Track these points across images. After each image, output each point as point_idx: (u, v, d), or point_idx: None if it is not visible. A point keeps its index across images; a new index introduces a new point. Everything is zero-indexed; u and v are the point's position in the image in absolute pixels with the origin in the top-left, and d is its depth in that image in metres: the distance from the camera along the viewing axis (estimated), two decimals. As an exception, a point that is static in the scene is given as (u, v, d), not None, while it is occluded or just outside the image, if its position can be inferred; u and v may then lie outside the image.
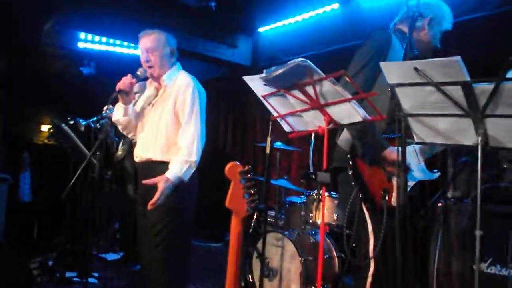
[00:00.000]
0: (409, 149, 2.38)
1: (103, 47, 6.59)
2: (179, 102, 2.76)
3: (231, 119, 6.74)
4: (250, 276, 3.96)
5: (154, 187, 2.72)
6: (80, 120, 4.27)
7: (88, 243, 4.12)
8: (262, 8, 5.61)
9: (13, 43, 5.81)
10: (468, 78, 1.47)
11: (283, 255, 3.77)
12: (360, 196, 2.29)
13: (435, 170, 2.50)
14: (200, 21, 5.51)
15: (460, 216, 3.07)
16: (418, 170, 2.42)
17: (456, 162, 3.08)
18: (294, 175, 5.49)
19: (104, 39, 6.46)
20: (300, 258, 3.57)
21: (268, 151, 3.16)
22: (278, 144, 4.52)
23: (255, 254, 3.90)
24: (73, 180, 3.28)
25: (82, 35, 6.32)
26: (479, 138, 1.58)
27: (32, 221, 5.77)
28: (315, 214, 3.77)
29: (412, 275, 2.57)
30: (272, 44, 6.00)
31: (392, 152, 2.28)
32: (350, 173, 2.28)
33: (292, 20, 5.64)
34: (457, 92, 1.53)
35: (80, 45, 6.40)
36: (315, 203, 3.78)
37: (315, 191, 3.80)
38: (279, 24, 5.82)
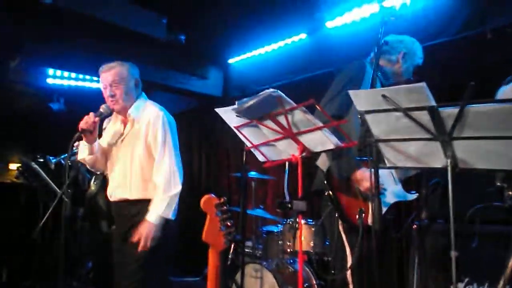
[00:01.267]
0: (385, 171, 2.44)
1: (73, 83, 6.53)
2: (150, 135, 2.70)
3: (204, 151, 6.72)
4: (229, 309, 3.88)
5: (134, 224, 2.66)
6: (50, 157, 4.18)
7: (60, 285, 3.96)
8: (232, 39, 5.68)
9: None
10: (433, 103, 1.52)
11: (263, 286, 3.72)
12: (337, 216, 2.33)
13: (413, 191, 2.55)
14: (170, 53, 5.54)
15: (435, 237, 3.11)
16: (394, 191, 2.47)
17: (429, 184, 3.13)
18: (270, 204, 5.48)
19: (73, 75, 6.41)
20: (279, 288, 3.53)
21: (242, 181, 3.17)
22: (253, 173, 4.52)
23: (234, 287, 3.83)
24: (44, 219, 3.20)
25: (50, 71, 6.26)
26: (448, 161, 1.61)
27: (1, 264, 5.53)
28: (293, 242, 3.75)
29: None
30: (243, 74, 6.07)
31: (363, 173, 2.33)
32: (326, 194, 2.32)
33: (261, 50, 5.73)
34: (424, 116, 1.57)
35: (49, 81, 6.33)
36: (292, 232, 3.76)
37: (291, 219, 3.79)
38: (249, 54, 5.89)
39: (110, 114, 2.89)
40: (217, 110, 2.16)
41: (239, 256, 4.37)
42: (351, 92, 1.66)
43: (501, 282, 2.41)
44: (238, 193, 5.88)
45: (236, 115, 2.10)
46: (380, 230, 2.19)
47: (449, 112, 1.52)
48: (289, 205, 1.99)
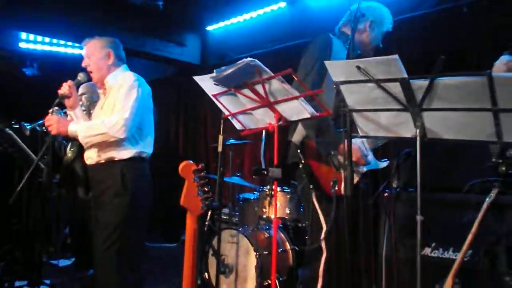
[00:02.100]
0: (357, 140, 2.52)
1: (46, 47, 6.38)
2: (117, 96, 2.77)
3: (182, 119, 6.71)
4: (206, 273, 3.99)
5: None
6: (25, 124, 4.12)
7: (38, 250, 4.00)
8: (210, 6, 5.62)
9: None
10: (405, 75, 1.57)
11: (238, 251, 3.82)
12: (311, 187, 2.40)
13: (384, 159, 2.64)
14: (148, 19, 5.46)
15: (405, 205, 3.23)
16: (369, 158, 2.56)
17: (400, 153, 3.23)
18: (247, 172, 5.56)
19: (47, 39, 6.25)
20: (255, 253, 3.64)
21: (220, 149, 3.21)
22: (230, 141, 4.56)
23: (210, 252, 3.93)
24: (21, 185, 3.19)
25: (23, 35, 6.10)
26: (417, 131, 1.69)
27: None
28: (269, 209, 3.85)
29: (361, 261, 2.70)
30: (221, 42, 6.03)
31: (354, 148, 2.41)
32: (300, 167, 2.38)
33: (240, 18, 5.69)
34: (396, 88, 1.63)
35: (22, 45, 6.16)
36: (268, 199, 3.85)
37: (268, 187, 3.87)
38: (227, 22, 5.85)
39: (88, 81, 3.03)
40: (195, 78, 2.18)
41: (215, 223, 4.47)
42: (327, 63, 1.70)
43: (463, 248, 2.55)
44: (215, 161, 5.94)
45: (214, 83, 2.12)
46: (353, 197, 2.30)
47: (420, 84, 1.58)
48: (265, 172, 2.05)
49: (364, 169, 2.51)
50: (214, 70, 2.02)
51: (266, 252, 3.70)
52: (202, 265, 4.01)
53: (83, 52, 2.95)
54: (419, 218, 1.67)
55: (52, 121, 2.75)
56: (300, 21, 5.17)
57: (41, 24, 5.15)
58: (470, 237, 2.55)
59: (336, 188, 2.44)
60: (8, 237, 4.45)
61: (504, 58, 1.83)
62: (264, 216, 3.93)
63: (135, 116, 2.73)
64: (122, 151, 2.76)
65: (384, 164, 2.60)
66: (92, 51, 2.91)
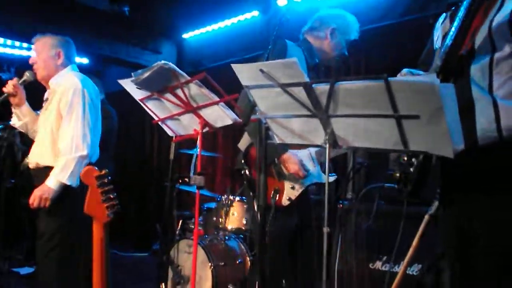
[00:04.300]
0: (304, 152, 2.46)
1: (24, 52, 6.35)
2: (61, 103, 2.72)
3: (156, 129, 6.66)
4: (163, 284, 3.89)
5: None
6: (-13, 127, 4.07)
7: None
8: (186, 14, 5.59)
9: None
10: (306, 79, 1.50)
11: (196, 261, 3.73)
12: (251, 195, 2.35)
13: (331, 174, 2.56)
14: (122, 27, 5.43)
15: (359, 217, 3.16)
16: (313, 173, 2.50)
17: (354, 164, 3.17)
18: (219, 181, 5.48)
19: (25, 45, 6.23)
20: (210, 264, 3.55)
21: (171, 156, 3.14)
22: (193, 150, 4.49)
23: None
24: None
25: (0, 40, 6.07)
26: (326, 138, 1.62)
27: None
28: (225, 219, 3.77)
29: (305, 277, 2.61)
30: (197, 50, 6.00)
31: (290, 157, 2.35)
32: (242, 173, 2.33)
33: (215, 26, 5.66)
34: (301, 93, 1.56)
35: (-1, 50, 6.14)
36: (224, 208, 3.77)
37: (225, 196, 3.79)
38: (202, 30, 5.82)
39: (36, 81, 2.94)
40: (119, 81, 2.12)
41: (185, 232, 4.39)
42: (234, 66, 1.64)
43: (405, 261, 2.47)
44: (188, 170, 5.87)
45: (137, 88, 2.06)
46: (293, 210, 2.24)
47: (322, 89, 1.51)
48: (187, 180, 1.98)
49: (306, 183, 2.44)
50: (132, 74, 1.96)
51: (222, 263, 3.62)
52: (161, 276, 3.93)
53: (32, 49, 2.90)
54: (325, 230, 1.59)
55: (36, 198, 2.60)
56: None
57: (12, 29, 5.13)
58: (411, 250, 2.48)
59: (277, 198, 2.38)
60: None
61: (403, 71, 1.78)
62: (221, 226, 3.84)
63: (87, 126, 2.70)
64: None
65: (331, 178, 2.53)
66: (42, 49, 2.86)
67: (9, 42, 6.17)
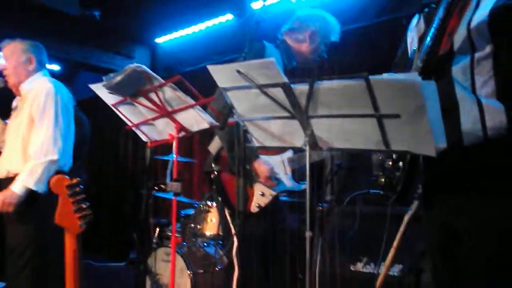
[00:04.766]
0: (277, 159, 2.42)
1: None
2: (33, 107, 2.63)
3: (131, 133, 6.53)
4: (142, 294, 3.80)
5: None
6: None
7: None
8: (159, 18, 5.50)
9: None
10: (285, 80, 1.46)
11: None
12: (220, 200, 2.29)
13: (303, 182, 2.51)
14: (93, 31, 5.30)
15: (339, 219, 3.14)
16: (287, 179, 2.45)
17: (332, 166, 3.15)
18: (196, 188, 5.40)
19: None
20: (188, 272, 3.48)
21: (147, 162, 3.06)
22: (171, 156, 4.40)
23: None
24: None
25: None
26: (306, 139, 1.58)
27: None
28: (203, 225, 3.70)
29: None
30: (170, 54, 5.92)
31: (261, 164, 2.31)
32: (212, 177, 2.27)
33: (189, 30, 5.59)
34: (280, 94, 1.52)
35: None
36: (202, 215, 3.70)
37: (203, 202, 3.73)
38: (176, 34, 5.74)
39: (5, 88, 2.85)
40: (90, 86, 2.05)
41: (163, 240, 4.30)
42: (210, 68, 1.59)
43: (386, 262, 2.45)
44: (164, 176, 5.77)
45: (109, 92, 1.99)
46: (264, 216, 2.19)
47: (301, 89, 1.47)
48: (162, 186, 1.91)
49: (276, 190, 2.39)
50: (103, 78, 1.89)
51: (202, 271, 3.55)
52: (139, 285, 3.83)
53: (0, 55, 2.81)
54: (308, 234, 1.55)
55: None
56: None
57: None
58: (392, 251, 2.46)
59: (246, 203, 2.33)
60: None
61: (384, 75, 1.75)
62: (199, 233, 3.77)
63: (58, 131, 2.60)
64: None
65: (303, 186, 2.47)
66: (12, 54, 2.76)
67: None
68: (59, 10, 4.21)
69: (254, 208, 2.33)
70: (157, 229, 4.41)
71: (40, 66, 2.84)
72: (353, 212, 2.90)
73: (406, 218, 2.37)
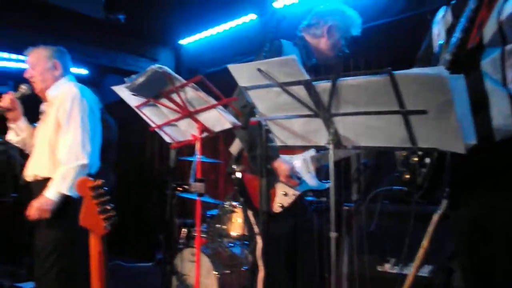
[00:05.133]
0: (299, 157, 2.37)
1: (22, 65, 6.30)
2: (60, 112, 2.65)
3: (156, 135, 6.59)
4: (168, 294, 3.82)
5: None
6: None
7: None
8: (183, 19, 5.53)
9: None
10: (306, 77, 1.44)
11: (199, 270, 3.65)
12: (242, 200, 2.27)
13: (326, 181, 2.45)
14: (118, 35, 5.37)
15: (365, 218, 3.08)
16: (310, 178, 2.40)
17: (358, 165, 3.09)
18: (222, 188, 5.41)
19: (22, 57, 6.19)
20: (215, 272, 3.48)
21: (172, 164, 3.07)
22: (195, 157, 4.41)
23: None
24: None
25: (-1, 53, 6.04)
26: (330, 138, 1.55)
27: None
28: (229, 226, 3.69)
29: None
30: (194, 56, 5.94)
31: (281, 164, 2.26)
32: (233, 177, 2.25)
33: (212, 31, 5.60)
34: (302, 91, 1.49)
35: (-3, 63, 6.10)
36: (227, 215, 3.70)
37: (228, 202, 3.72)
38: (200, 35, 5.76)
39: (33, 94, 2.87)
40: (113, 88, 2.06)
41: (189, 241, 4.31)
42: (230, 67, 1.57)
43: (415, 262, 2.39)
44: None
45: (132, 94, 1.99)
46: (289, 216, 2.15)
47: (323, 86, 1.44)
48: (185, 186, 1.91)
49: (299, 190, 2.33)
50: (125, 79, 1.90)
51: (228, 271, 3.54)
52: (166, 285, 3.86)
53: (27, 61, 2.82)
54: (332, 234, 1.51)
55: (35, 209, 2.53)
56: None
57: (8, 42, 5.09)
58: (421, 251, 2.40)
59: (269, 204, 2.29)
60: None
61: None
62: (224, 233, 3.76)
63: (86, 135, 2.62)
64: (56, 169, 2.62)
65: (327, 185, 2.40)
66: (37, 61, 2.78)
67: (6, 55, 6.14)
68: (84, 14, 4.26)
69: (277, 208, 2.29)
70: (184, 230, 4.44)
71: (65, 71, 2.86)
72: (378, 211, 2.84)
73: (435, 217, 2.30)
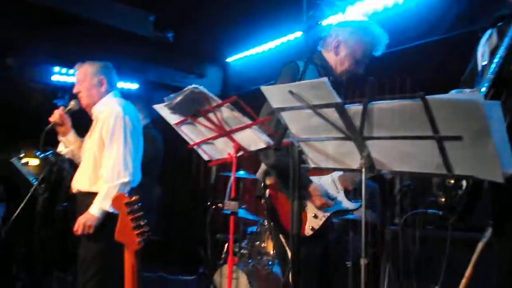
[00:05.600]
0: (327, 179, 2.33)
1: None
2: (103, 130, 2.74)
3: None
4: (206, 310, 3.84)
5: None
6: (38, 153, 4.21)
7: (45, 279, 4.02)
8: (230, 37, 5.64)
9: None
10: (338, 100, 1.42)
11: (238, 287, 3.66)
12: (272, 224, 2.25)
13: (356, 201, 2.38)
14: (167, 52, 5.54)
15: (407, 242, 2.98)
16: (341, 199, 2.35)
17: (401, 187, 3.01)
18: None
19: (77, 72, 6.50)
20: (252, 290, 3.47)
21: (212, 181, 3.11)
22: (241, 173, 4.44)
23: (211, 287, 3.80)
24: (15, 215, 3.26)
25: (56, 68, 6.36)
26: (362, 162, 1.52)
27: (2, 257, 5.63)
28: (268, 244, 3.67)
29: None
30: (241, 73, 6.02)
31: (315, 189, 2.21)
32: (263, 202, 2.24)
33: (259, 49, 5.67)
34: (333, 114, 1.48)
35: (54, 78, 6.42)
36: (266, 233, 3.68)
37: (265, 221, 3.70)
38: (246, 53, 5.84)
39: (81, 109, 2.99)
40: (154, 107, 2.12)
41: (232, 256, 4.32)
42: (263, 88, 1.58)
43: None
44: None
45: (171, 112, 2.05)
46: (319, 238, 2.12)
47: (355, 109, 1.42)
48: (220, 205, 1.93)
49: (328, 211, 2.28)
50: (165, 98, 1.95)
51: (265, 290, 3.52)
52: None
53: (75, 76, 2.95)
54: (363, 261, 1.47)
55: (80, 225, 2.65)
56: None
57: (62, 57, 5.36)
58: (464, 280, 2.29)
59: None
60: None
61: (452, 93, 1.64)
62: (264, 251, 3.75)
63: (128, 153, 2.70)
64: (100, 183, 2.71)
65: (356, 205, 2.34)
66: (84, 77, 2.89)
67: (63, 70, 6.46)
68: (135, 33, 4.44)
69: (308, 231, 2.25)
70: (226, 245, 4.45)
71: (111, 87, 2.96)
72: (412, 235, 2.74)
73: (479, 245, 2.20)
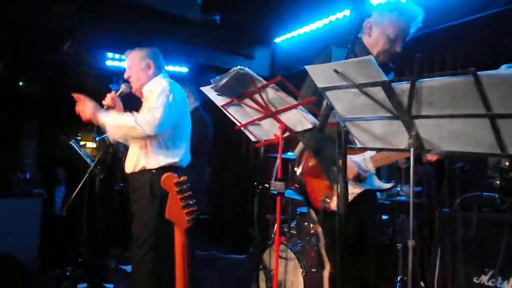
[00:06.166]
0: (359, 158, 2.30)
1: (131, 65, 6.80)
2: (149, 100, 2.83)
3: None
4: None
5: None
6: (94, 135, 4.40)
7: (104, 255, 4.22)
8: (278, 18, 5.60)
9: (45, 64, 6.14)
10: (384, 78, 1.39)
11: (287, 267, 3.70)
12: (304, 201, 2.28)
13: (390, 181, 2.34)
14: (215, 34, 5.57)
15: (460, 225, 2.89)
16: (369, 177, 2.31)
17: (452, 168, 2.90)
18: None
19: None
20: (302, 271, 3.49)
21: (261, 160, 3.14)
22: (290, 154, 4.45)
23: (260, 266, 3.86)
24: (73, 195, 3.43)
25: (109, 54, 6.57)
26: (410, 141, 1.48)
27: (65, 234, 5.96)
28: (316, 224, 3.67)
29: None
30: (289, 53, 5.97)
31: (349, 162, 2.19)
32: (296, 177, 2.27)
33: (306, 28, 5.59)
34: (380, 93, 1.45)
35: (108, 63, 6.65)
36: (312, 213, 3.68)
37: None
38: (294, 33, 5.78)
39: (130, 92, 3.13)
40: (202, 89, 2.15)
41: (280, 235, 4.37)
42: (308, 68, 1.57)
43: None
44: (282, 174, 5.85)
45: (217, 94, 2.07)
46: (353, 214, 2.09)
47: (403, 87, 1.38)
48: (267, 186, 1.95)
49: (360, 188, 2.24)
50: (211, 80, 1.98)
51: (314, 270, 3.53)
52: (254, 279, 3.95)
53: (125, 63, 3.09)
54: (411, 243, 1.45)
55: (84, 107, 2.82)
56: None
57: (120, 44, 5.51)
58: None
59: (326, 205, 2.25)
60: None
61: (502, 68, 1.55)
62: (312, 232, 3.75)
63: (166, 118, 2.75)
64: (152, 160, 2.81)
65: (388, 185, 2.28)
66: (133, 62, 3.03)
67: (117, 56, 6.67)
68: (184, 16, 4.50)
69: (334, 206, 2.24)
70: (275, 226, 4.49)
71: (159, 70, 3.06)
72: (467, 217, 2.64)
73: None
